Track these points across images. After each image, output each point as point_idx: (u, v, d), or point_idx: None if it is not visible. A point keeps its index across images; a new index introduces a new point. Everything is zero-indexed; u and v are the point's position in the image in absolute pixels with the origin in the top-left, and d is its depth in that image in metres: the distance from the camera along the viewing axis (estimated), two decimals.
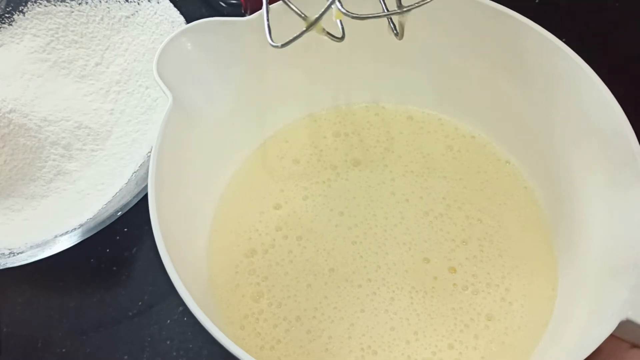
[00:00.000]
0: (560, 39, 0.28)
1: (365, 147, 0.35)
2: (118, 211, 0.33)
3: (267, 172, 0.34)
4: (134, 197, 0.33)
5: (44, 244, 0.33)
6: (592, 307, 0.25)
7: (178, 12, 0.41)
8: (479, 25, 0.31)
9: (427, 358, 0.28)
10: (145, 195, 0.33)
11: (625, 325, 0.21)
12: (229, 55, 0.30)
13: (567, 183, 0.30)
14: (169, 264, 0.23)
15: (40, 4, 0.41)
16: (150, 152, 0.37)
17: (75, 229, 0.33)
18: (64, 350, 0.33)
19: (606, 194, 0.27)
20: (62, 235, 0.33)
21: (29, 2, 0.41)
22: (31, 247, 0.33)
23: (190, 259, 0.29)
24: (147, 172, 0.35)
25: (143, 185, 0.33)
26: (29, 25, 0.41)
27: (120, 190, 0.36)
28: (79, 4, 0.42)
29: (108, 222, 0.33)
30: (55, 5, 0.41)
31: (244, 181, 0.34)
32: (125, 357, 0.33)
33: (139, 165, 0.37)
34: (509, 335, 0.28)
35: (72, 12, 0.42)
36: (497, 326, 0.28)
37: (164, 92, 0.27)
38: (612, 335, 0.21)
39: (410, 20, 0.28)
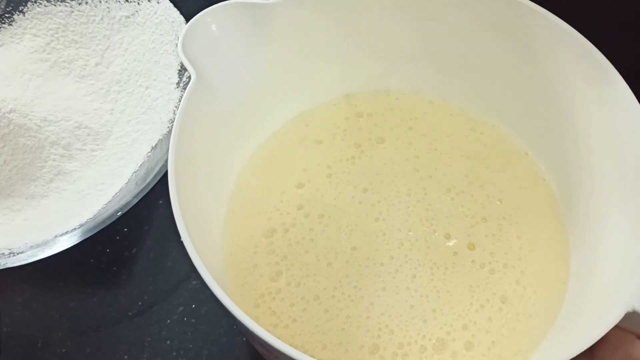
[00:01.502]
0: (584, 34, 0.28)
1: (389, 126, 0.35)
2: (118, 211, 0.33)
3: (288, 152, 0.34)
4: (134, 197, 0.33)
5: (44, 244, 0.33)
6: (600, 299, 0.25)
7: (178, 12, 0.41)
8: (502, 17, 0.31)
9: (442, 338, 0.28)
10: (145, 196, 0.33)
11: (631, 316, 0.21)
12: (253, 38, 0.31)
13: (586, 178, 0.30)
14: (187, 239, 0.23)
15: (40, 4, 0.41)
16: (150, 152, 0.37)
17: (75, 229, 0.33)
18: (64, 350, 0.33)
19: (623, 192, 0.27)
20: (62, 235, 0.33)
21: (29, 2, 0.41)
22: (31, 247, 0.33)
23: (207, 238, 0.28)
24: (147, 172, 0.35)
25: (143, 185, 0.33)
26: (29, 25, 0.41)
27: (120, 190, 0.36)
28: (79, 4, 0.42)
29: (108, 222, 0.33)
30: (55, 5, 0.41)
31: (264, 162, 0.33)
32: (125, 357, 0.33)
33: (139, 165, 0.37)
34: (520, 321, 0.28)
35: (72, 12, 0.42)
36: (510, 310, 0.28)
37: (188, 69, 0.27)
38: (618, 327, 0.22)
39: (433, 12, 0.29)
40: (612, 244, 0.27)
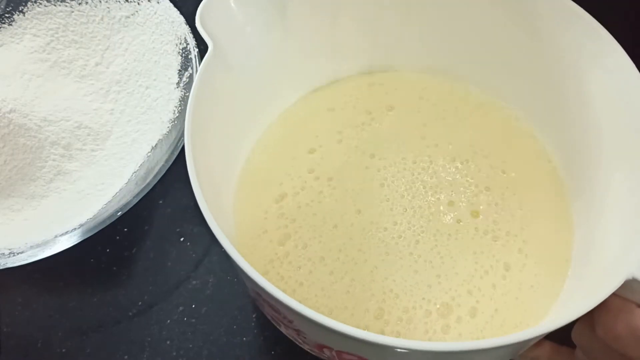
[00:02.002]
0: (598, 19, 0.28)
1: (400, 94, 0.36)
2: (118, 211, 0.33)
3: (301, 123, 0.35)
4: (134, 197, 0.33)
5: (44, 244, 0.33)
6: (601, 269, 0.25)
7: (178, 12, 0.41)
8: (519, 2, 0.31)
9: (447, 303, 0.28)
10: (145, 196, 0.33)
11: (631, 284, 0.21)
12: (269, 14, 0.31)
13: (591, 157, 0.30)
14: (203, 204, 0.23)
15: (40, 4, 0.41)
16: (150, 152, 0.37)
17: (75, 229, 0.33)
18: (64, 350, 0.33)
19: (627, 168, 0.27)
20: (62, 235, 0.33)
21: (29, 2, 0.41)
22: (31, 247, 0.33)
23: (219, 205, 0.29)
24: (147, 172, 0.35)
25: (143, 185, 0.33)
26: (29, 25, 0.41)
27: (120, 190, 0.36)
28: (79, 4, 0.42)
29: (108, 222, 0.33)
30: (55, 5, 0.41)
31: (276, 135, 0.34)
32: (125, 357, 0.33)
33: (139, 165, 0.37)
34: (522, 291, 0.29)
35: (72, 12, 0.42)
36: (513, 278, 0.29)
37: (205, 39, 0.28)
38: (619, 296, 0.22)
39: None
40: (614, 219, 0.27)
